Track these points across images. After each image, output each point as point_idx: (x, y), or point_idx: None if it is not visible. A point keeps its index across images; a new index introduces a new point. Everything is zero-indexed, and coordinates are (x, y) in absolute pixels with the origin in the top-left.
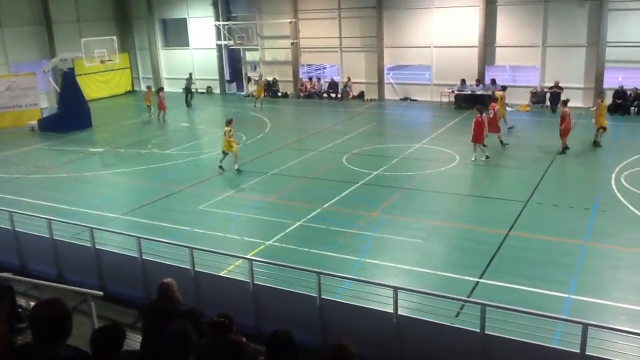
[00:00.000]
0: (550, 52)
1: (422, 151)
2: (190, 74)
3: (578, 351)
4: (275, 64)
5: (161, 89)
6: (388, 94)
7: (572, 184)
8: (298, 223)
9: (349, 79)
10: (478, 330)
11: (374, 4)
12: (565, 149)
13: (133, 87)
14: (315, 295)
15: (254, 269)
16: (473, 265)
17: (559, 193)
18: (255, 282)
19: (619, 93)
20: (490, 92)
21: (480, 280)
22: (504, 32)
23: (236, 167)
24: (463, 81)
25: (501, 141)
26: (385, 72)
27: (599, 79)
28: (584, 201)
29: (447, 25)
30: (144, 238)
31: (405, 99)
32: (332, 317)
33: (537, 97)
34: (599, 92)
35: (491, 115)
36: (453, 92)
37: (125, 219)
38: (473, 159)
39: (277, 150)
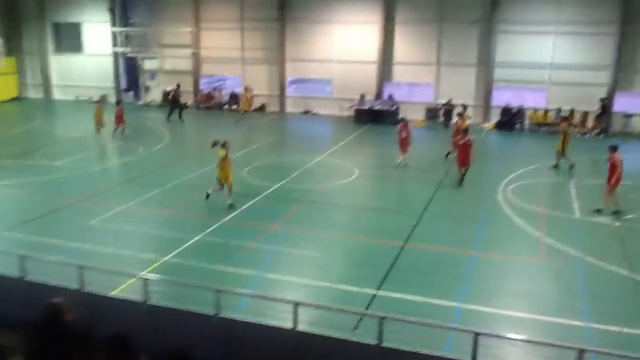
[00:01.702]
0: (444, 71)
1: (323, 164)
2: (179, 85)
3: (469, 359)
4: (175, 74)
5: (120, 101)
6: (289, 107)
7: (464, 196)
8: (196, 238)
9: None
10: (376, 343)
11: (277, 17)
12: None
13: (20, 93)
14: (214, 313)
15: (149, 287)
16: (371, 277)
17: (451, 205)
18: (151, 302)
19: (506, 111)
20: (387, 108)
21: (378, 292)
22: (401, 49)
23: (229, 202)
24: (362, 96)
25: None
26: (287, 85)
27: (488, 97)
28: (474, 213)
29: (348, 40)
30: (26, 256)
31: (307, 112)
32: (232, 334)
33: (432, 113)
34: (563, 117)
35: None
36: (353, 106)
37: (7, 235)
38: (403, 163)
39: (175, 162)
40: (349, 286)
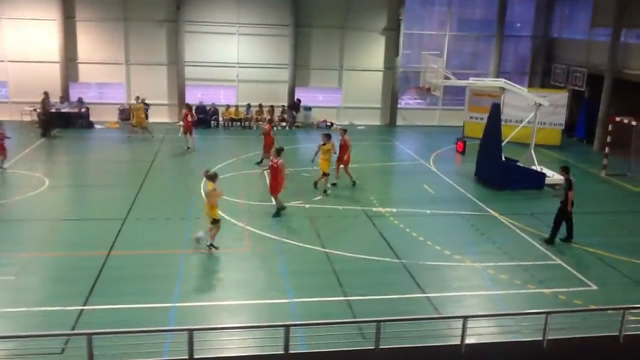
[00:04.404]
0: (134, 70)
1: (6, 177)
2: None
3: (187, 357)
4: None
5: None
6: None
7: (167, 196)
8: None
9: None
10: None
11: None
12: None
13: None
14: None
15: None
16: (75, 293)
17: (155, 207)
18: None
19: (200, 109)
20: (76, 110)
21: (85, 308)
22: (86, 48)
23: (209, 243)
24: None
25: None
26: None
27: (181, 96)
28: (179, 212)
29: (23, 38)
30: None
31: None
32: None
33: (125, 114)
34: (325, 135)
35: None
36: (35, 110)
37: None
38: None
39: None
40: (51, 307)
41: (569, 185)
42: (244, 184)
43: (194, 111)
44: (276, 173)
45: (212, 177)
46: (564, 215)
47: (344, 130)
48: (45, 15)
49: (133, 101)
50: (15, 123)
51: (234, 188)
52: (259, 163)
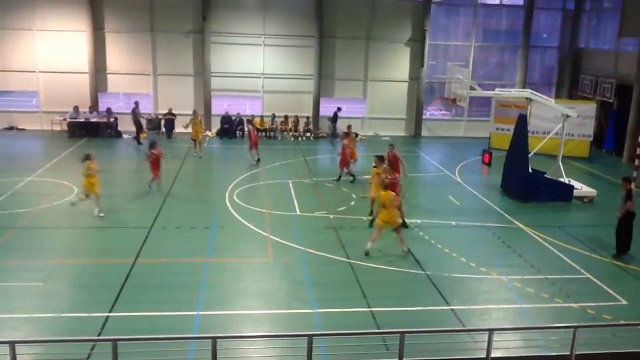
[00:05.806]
0: (161, 80)
1: (35, 184)
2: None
3: None
4: None
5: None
6: None
7: (192, 205)
8: None
9: None
10: None
11: None
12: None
13: None
14: None
15: None
16: (101, 300)
17: (180, 215)
18: None
19: (226, 119)
20: (105, 120)
21: (111, 314)
22: (114, 59)
23: (406, 248)
24: (76, 108)
25: (353, 175)
26: None
27: (208, 106)
28: (203, 220)
29: (53, 49)
30: None
31: (11, 128)
32: None
33: (153, 124)
34: (379, 157)
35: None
36: (65, 119)
37: None
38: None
39: None
40: (78, 313)
41: (628, 195)
42: (267, 194)
43: (220, 121)
44: (393, 187)
45: (387, 186)
46: (624, 226)
47: (392, 145)
48: (75, 27)
49: (191, 115)
50: (46, 132)
51: (258, 198)
52: (337, 180)
